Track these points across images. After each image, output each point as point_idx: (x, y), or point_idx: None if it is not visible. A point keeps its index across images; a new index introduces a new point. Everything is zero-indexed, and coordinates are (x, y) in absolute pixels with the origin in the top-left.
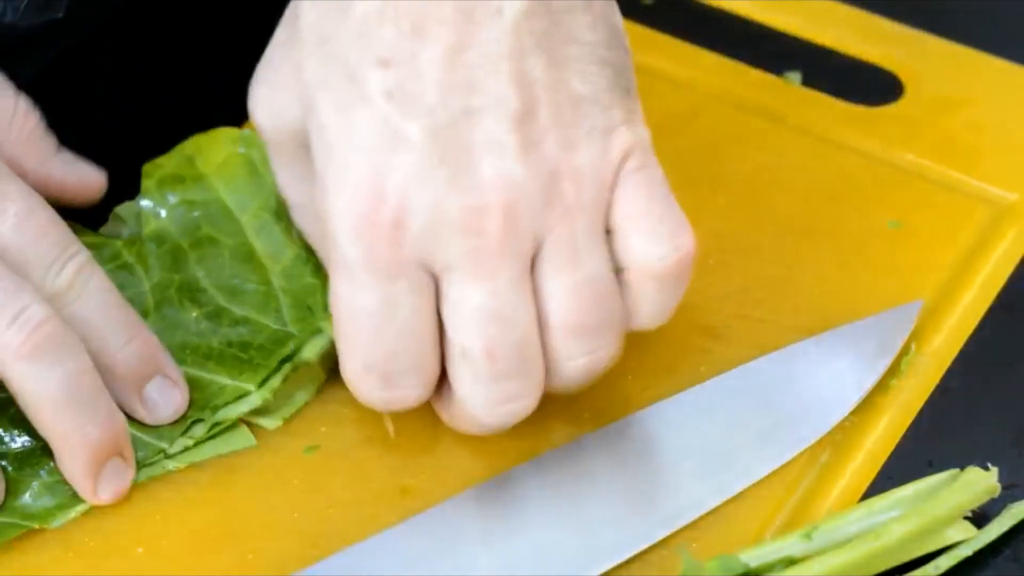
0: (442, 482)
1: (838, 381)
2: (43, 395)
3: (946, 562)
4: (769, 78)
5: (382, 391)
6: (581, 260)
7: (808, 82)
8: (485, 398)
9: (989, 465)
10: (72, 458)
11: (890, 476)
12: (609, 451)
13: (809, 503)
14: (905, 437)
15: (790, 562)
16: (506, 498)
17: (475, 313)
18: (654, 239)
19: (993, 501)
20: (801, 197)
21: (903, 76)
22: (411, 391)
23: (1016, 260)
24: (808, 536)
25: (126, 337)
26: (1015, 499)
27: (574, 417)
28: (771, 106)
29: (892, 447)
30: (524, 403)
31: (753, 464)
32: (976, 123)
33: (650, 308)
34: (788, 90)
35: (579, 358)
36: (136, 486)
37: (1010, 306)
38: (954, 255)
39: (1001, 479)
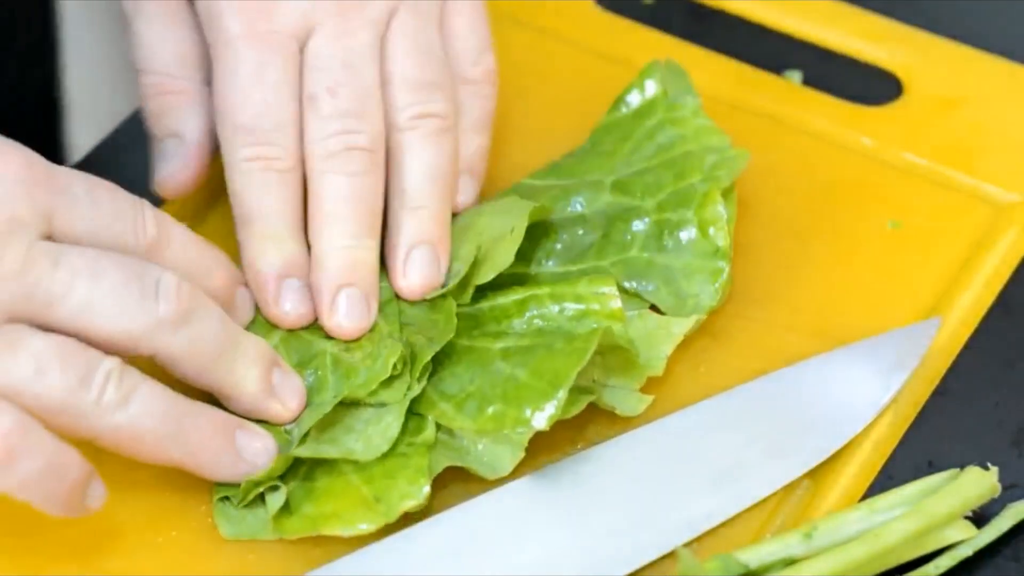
0: (444, 490)
1: (853, 397)
2: (204, 349)
3: (946, 562)
4: (769, 78)
5: (250, 148)
6: (421, 30)
7: (808, 82)
8: (323, 131)
9: (989, 465)
10: (246, 387)
11: (890, 476)
12: (619, 462)
13: (809, 503)
14: (905, 437)
15: (790, 562)
16: (514, 507)
17: (327, 60)
18: (466, 53)
19: (993, 501)
20: (801, 197)
21: (903, 76)
22: (276, 149)
23: (1016, 260)
24: (808, 536)
25: (217, 264)
26: (1015, 499)
27: (580, 426)
28: (771, 106)
29: (892, 447)
30: (358, 138)
31: (766, 477)
32: (976, 123)
33: (470, 108)
34: (788, 90)
35: (413, 107)
36: (132, 485)
37: (1010, 306)
38: (954, 255)
39: (1001, 479)
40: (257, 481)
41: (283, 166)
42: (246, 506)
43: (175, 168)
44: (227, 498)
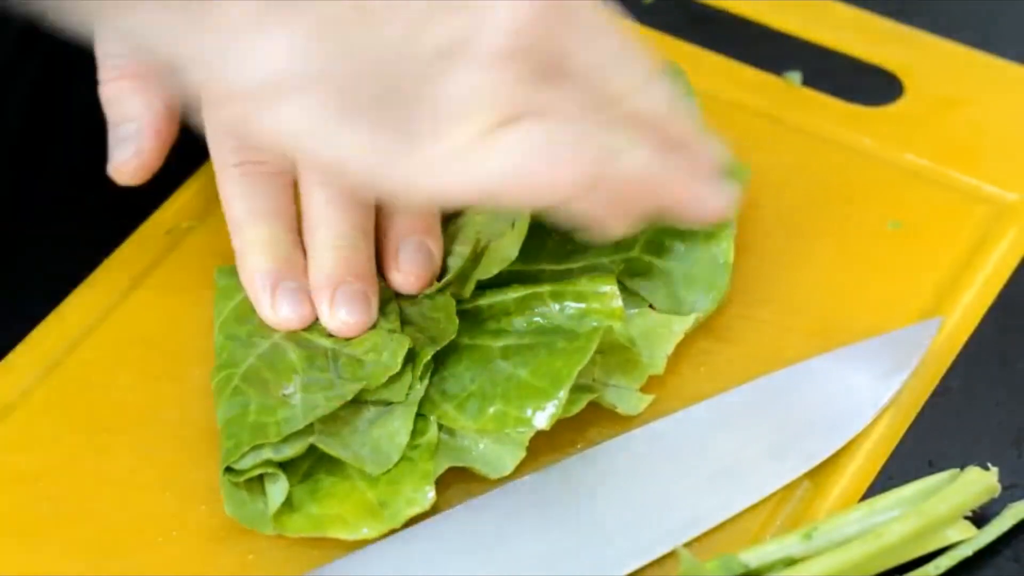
0: (446, 491)
1: (853, 397)
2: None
3: (946, 562)
4: (769, 78)
5: (239, 152)
6: None
7: (808, 82)
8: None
9: (989, 465)
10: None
11: (890, 476)
12: (620, 462)
13: (809, 503)
14: (905, 437)
15: (790, 562)
16: (512, 508)
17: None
18: None
19: (993, 501)
20: (801, 197)
21: (903, 76)
22: (265, 153)
23: (1016, 260)
24: (808, 536)
25: None
26: (1015, 499)
27: (581, 426)
28: (771, 106)
29: (892, 447)
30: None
31: (766, 477)
32: (976, 123)
33: None
34: (788, 90)
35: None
36: (133, 486)
37: (1010, 306)
38: (954, 255)
39: (1001, 479)
40: (266, 459)
41: (272, 169)
42: (249, 491)
43: (131, 154)
44: (231, 470)
